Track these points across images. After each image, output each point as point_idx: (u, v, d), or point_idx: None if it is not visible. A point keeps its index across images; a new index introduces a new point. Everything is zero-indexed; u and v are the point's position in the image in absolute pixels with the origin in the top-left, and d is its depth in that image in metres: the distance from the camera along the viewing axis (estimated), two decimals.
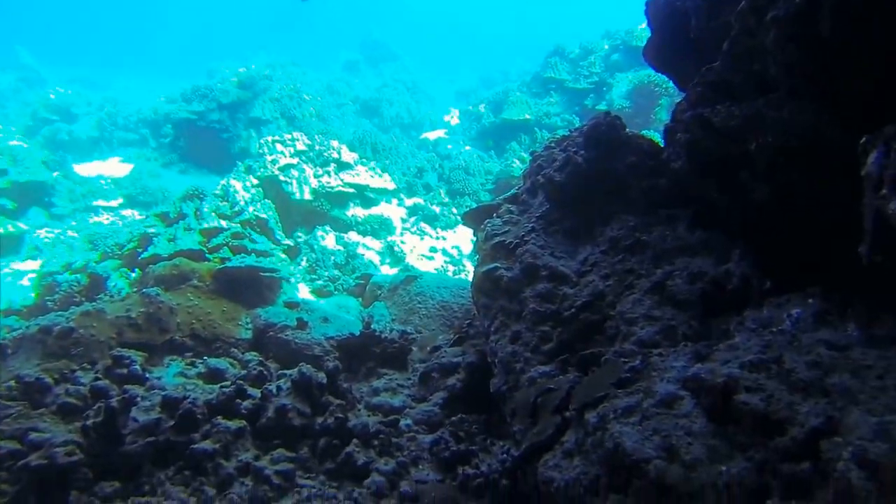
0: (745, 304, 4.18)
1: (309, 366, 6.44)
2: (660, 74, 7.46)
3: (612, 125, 5.97)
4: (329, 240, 13.38)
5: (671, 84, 7.72)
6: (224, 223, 10.46)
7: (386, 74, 29.58)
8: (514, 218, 6.50)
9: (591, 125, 6.05)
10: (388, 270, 12.89)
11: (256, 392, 6.51)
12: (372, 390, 7.35)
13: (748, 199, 4.30)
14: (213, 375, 7.52)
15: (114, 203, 15.12)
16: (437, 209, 16.28)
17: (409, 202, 16.44)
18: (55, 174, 15.28)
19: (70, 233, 13.56)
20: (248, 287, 9.15)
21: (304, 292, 11.03)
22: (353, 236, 13.90)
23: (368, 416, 6.71)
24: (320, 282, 11.53)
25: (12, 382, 6.20)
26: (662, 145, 5.65)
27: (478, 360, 6.93)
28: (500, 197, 7.76)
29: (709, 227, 4.95)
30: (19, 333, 7.23)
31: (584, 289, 5.01)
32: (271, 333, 8.45)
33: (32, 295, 10.03)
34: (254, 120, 19.38)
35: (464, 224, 8.44)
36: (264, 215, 11.56)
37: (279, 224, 12.31)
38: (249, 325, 8.69)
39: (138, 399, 6.12)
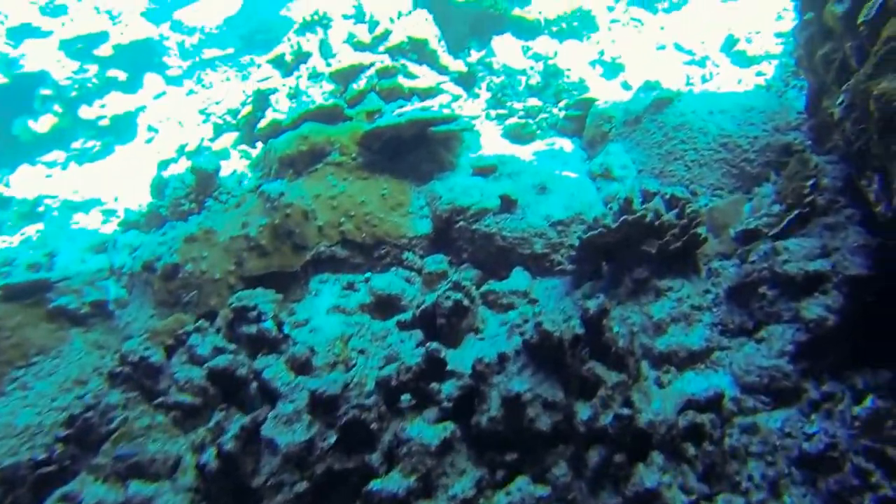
0: None
1: (553, 318, 3.63)
2: None
3: None
4: (512, 52, 9.94)
5: None
6: (365, 57, 7.53)
7: None
8: None
9: None
10: (605, 89, 9.32)
11: (462, 365, 3.98)
12: (652, 324, 4.49)
13: None
14: (385, 305, 5.42)
15: (230, 50, 12.83)
16: None
17: None
18: (159, 29, 13.31)
19: (184, 101, 11.59)
20: (414, 149, 6.45)
21: (491, 137, 7.92)
22: (544, 43, 10.26)
23: (662, 385, 3.93)
24: (513, 119, 8.34)
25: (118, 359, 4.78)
26: None
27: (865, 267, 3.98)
28: None
29: None
30: (129, 269, 6.07)
31: None
32: (462, 223, 5.86)
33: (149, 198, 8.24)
34: None
35: None
36: (419, 33, 8.27)
37: (442, 42, 9.10)
38: (425, 211, 6.14)
39: (278, 399, 3.94)
